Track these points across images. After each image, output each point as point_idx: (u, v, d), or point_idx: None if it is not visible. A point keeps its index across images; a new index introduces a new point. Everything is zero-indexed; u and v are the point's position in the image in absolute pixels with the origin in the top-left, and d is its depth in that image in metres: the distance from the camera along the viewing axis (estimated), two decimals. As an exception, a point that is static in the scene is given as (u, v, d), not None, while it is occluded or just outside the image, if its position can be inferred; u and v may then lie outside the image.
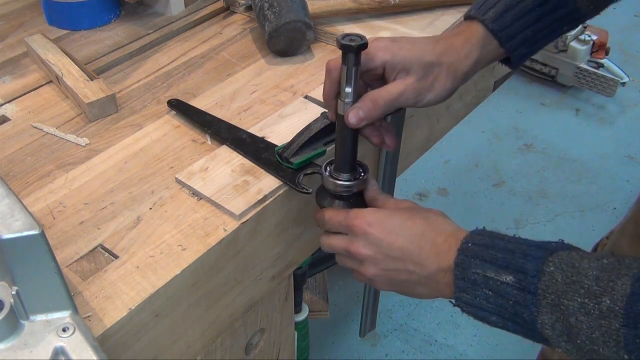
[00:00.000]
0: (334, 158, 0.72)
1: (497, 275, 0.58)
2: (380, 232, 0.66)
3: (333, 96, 0.69)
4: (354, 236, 0.67)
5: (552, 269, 0.55)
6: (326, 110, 0.76)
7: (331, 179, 0.71)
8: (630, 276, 0.52)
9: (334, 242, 0.70)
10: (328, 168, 0.72)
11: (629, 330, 0.50)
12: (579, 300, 0.53)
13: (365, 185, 0.72)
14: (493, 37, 0.73)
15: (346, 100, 0.67)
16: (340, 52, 0.65)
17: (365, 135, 0.72)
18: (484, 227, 0.64)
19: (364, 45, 0.63)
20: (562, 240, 0.59)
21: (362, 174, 0.72)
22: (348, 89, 0.66)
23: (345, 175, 0.71)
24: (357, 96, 0.67)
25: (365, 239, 0.66)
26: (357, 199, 0.72)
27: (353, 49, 0.63)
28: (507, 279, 0.57)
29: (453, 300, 0.62)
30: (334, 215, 0.70)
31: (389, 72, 0.69)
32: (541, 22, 0.73)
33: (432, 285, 0.65)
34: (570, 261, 0.55)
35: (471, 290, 0.60)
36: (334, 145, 0.78)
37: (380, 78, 0.71)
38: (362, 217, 0.67)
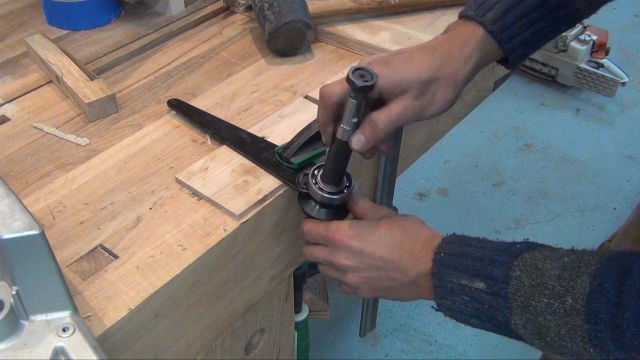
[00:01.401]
0: (322, 164, 0.72)
1: (470, 282, 0.61)
2: (361, 243, 0.68)
3: (328, 123, 0.69)
4: (335, 249, 0.70)
5: (518, 273, 0.58)
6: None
7: (317, 189, 0.71)
8: (589, 274, 0.54)
9: (315, 254, 0.73)
10: (315, 175, 0.72)
11: (591, 326, 0.53)
12: (545, 300, 0.56)
13: (349, 198, 0.73)
14: (493, 38, 0.72)
15: (345, 127, 0.66)
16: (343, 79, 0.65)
17: (360, 153, 0.71)
18: (454, 233, 0.66)
19: (372, 87, 0.63)
20: (527, 239, 0.63)
21: (348, 186, 0.72)
22: (354, 120, 0.66)
23: (331, 187, 0.71)
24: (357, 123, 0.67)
25: (347, 251, 0.69)
26: (339, 207, 0.73)
27: (369, 88, 0.63)
28: (480, 285, 0.60)
29: (435, 305, 0.65)
30: (313, 227, 0.72)
31: (387, 96, 0.68)
32: (541, 22, 0.73)
33: (414, 290, 0.68)
34: (534, 263, 0.58)
35: (450, 297, 0.63)
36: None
37: (379, 102, 0.69)
38: (342, 231, 0.69)
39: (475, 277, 0.61)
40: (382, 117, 0.67)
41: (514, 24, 0.72)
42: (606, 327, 0.52)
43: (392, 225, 0.69)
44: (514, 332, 0.60)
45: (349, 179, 0.73)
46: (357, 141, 0.67)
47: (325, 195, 0.71)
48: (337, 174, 0.71)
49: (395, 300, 0.72)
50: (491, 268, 0.60)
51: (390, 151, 0.74)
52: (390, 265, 0.67)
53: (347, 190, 0.72)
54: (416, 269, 0.66)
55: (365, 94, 0.64)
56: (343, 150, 0.69)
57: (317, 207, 0.73)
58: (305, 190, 0.73)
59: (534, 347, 0.60)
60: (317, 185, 0.71)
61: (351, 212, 0.74)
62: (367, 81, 0.62)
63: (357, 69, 0.63)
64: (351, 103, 0.65)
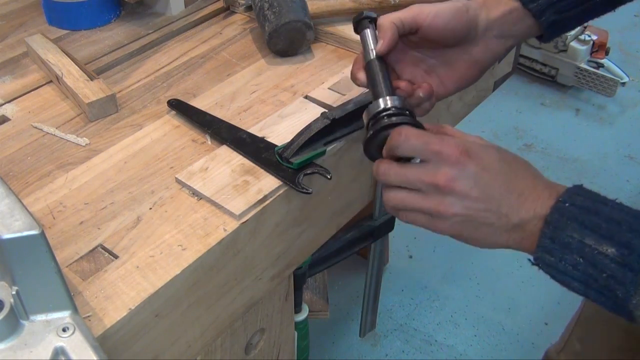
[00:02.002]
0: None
1: (597, 244, 0.53)
2: (478, 166, 0.58)
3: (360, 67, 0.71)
4: (442, 163, 0.58)
5: None
6: (326, 111, 0.77)
7: (380, 100, 0.63)
8: None
9: (408, 173, 0.59)
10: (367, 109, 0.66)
11: None
12: None
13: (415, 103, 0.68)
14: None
15: (371, 51, 0.71)
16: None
17: (397, 71, 0.73)
18: (582, 185, 0.58)
19: (375, 17, 0.72)
20: None
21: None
22: (374, 45, 0.71)
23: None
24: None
25: (460, 171, 0.58)
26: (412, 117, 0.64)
27: (371, 18, 0.72)
28: (609, 250, 0.53)
29: (532, 258, 0.57)
30: (414, 134, 0.59)
31: None
32: None
33: (516, 235, 0.59)
34: None
35: (558, 253, 0.55)
36: (335, 145, 0.79)
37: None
38: (455, 145, 0.58)
39: (606, 239, 0.53)
40: (384, 17, 0.69)
41: None
42: None
43: (508, 156, 0.60)
44: (629, 310, 0.53)
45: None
46: (380, 46, 0.68)
47: (394, 97, 0.63)
48: (387, 83, 0.67)
49: (480, 246, 0.61)
50: (630, 236, 0.52)
51: (432, 93, 0.70)
52: (506, 199, 0.58)
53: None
54: (534, 209, 0.57)
55: (373, 23, 0.71)
56: (377, 68, 0.69)
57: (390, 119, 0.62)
58: (305, 191, 0.72)
59: None
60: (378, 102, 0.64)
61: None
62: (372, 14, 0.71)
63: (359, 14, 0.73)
64: (365, 34, 0.72)
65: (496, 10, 0.71)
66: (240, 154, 0.78)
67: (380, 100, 0.64)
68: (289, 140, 0.76)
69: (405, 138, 0.59)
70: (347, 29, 1.02)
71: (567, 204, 0.56)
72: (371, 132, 0.63)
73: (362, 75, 0.70)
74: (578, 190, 0.57)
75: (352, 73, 0.73)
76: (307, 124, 0.76)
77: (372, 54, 0.70)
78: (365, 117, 0.65)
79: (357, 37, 1.00)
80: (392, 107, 0.63)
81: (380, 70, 0.69)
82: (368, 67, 0.71)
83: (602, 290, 0.54)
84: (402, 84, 0.70)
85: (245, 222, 0.70)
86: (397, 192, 0.61)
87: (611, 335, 1.06)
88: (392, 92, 0.66)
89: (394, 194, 0.61)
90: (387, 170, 0.61)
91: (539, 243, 0.56)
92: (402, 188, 0.61)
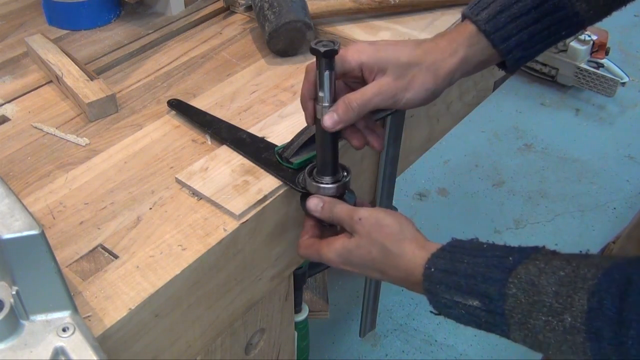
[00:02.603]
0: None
1: (464, 300, 0.60)
2: (352, 267, 0.69)
3: (309, 98, 0.69)
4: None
5: (514, 291, 0.57)
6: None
7: (314, 183, 0.71)
8: (586, 290, 0.53)
9: (314, 260, 0.74)
10: (312, 171, 0.72)
11: (593, 344, 0.52)
12: (543, 318, 0.55)
13: (348, 187, 0.73)
14: (486, 38, 0.71)
15: (323, 104, 0.67)
16: None
17: (346, 137, 0.72)
18: (449, 242, 0.64)
19: (334, 52, 0.64)
20: (520, 246, 0.61)
21: (345, 175, 0.72)
22: (321, 94, 0.67)
23: (327, 179, 0.71)
24: (335, 100, 0.68)
25: (342, 269, 0.71)
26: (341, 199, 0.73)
27: (321, 53, 0.64)
28: (474, 303, 0.60)
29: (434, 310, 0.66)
30: (309, 252, 0.72)
31: (367, 74, 0.69)
32: (537, 25, 0.71)
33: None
34: (530, 279, 0.57)
35: (445, 309, 0.63)
36: None
37: (362, 81, 0.70)
38: (333, 261, 0.70)
39: (468, 294, 0.60)
40: (357, 96, 0.67)
41: (507, 24, 0.70)
42: (609, 344, 0.51)
43: (371, 249, 0.67)
44: (514, 342, 0.60)
45: (347, 171, 0.73)
46: (329, 118, 0.67)
47: (322, 185, 0.71)
48: (329, 161, 0.71)
49: None
50: (485, 286, 0.59)
51: (381, 147, 0.74)
52: (382, 280, 0.69)
53: (342, 180, 0.71)
54: (410, 287, 0.67)
55: (327, 63, 0.65)
56: (326, 132, 0.68)
57: None
58: (305, 191, 0.73)
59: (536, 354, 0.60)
60: (313, 180, 0.71)
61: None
62: (329, 47, 0.64)
63: (320, 40, 0.65)
64: (322, 75, 0.66)
65: (471, 65, 0.72)
66: (240, 154, 0.78)
67: (321, 187, 0.71)
68: (289, 140, 0.76)
69: (304, 253, 0.72)
70: (347, 29, 1.02)
71: (432, 269, 0.63)
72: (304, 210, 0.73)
73: (307, 119, 0.72)
74: (440, 253, 0.64)
75: (301, 102, 0.72)
76: (306, 124, 0.76)
77: (324, 112, 0.67)
78: (309, 186, 0.72)
79: (358, 37, 1.00)
80: (323, 194, 0.71)
81: (330, 144, 0.69)
82: (317, 129, 0.69)
83: (488, 330, 0.61)
84: (355, 143, 0.72)
85: (245, 222, 0.70)
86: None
87: None
88: (335, 169, 0.72)
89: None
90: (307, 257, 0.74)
91: (429, 303, 0.64)
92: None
